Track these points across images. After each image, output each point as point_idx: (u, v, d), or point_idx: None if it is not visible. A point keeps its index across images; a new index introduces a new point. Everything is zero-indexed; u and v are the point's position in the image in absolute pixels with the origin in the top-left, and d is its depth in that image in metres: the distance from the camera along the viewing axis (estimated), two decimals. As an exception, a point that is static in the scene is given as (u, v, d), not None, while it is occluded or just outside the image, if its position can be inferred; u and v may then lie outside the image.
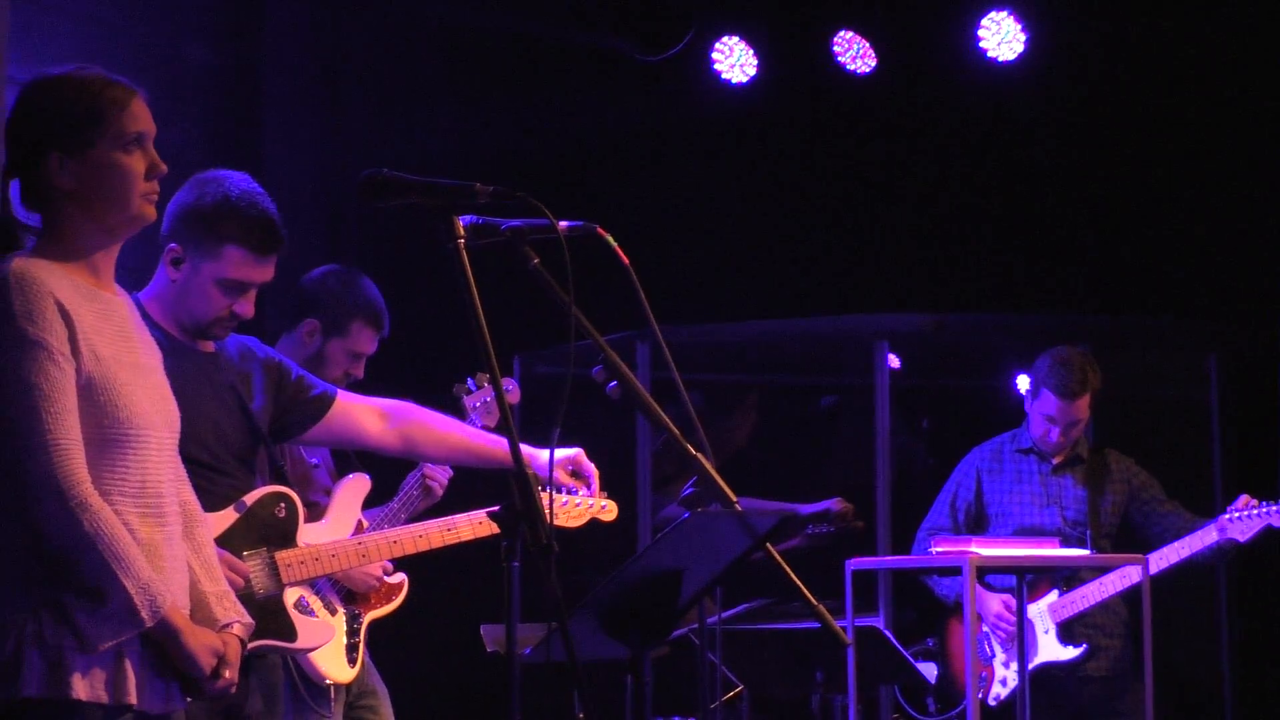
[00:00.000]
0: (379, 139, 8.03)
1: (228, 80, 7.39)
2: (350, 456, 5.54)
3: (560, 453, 4.73)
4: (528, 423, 6.82)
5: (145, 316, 4.37)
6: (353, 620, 5.28)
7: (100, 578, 3.40)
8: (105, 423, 3.48)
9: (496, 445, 4.70)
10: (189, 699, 3.62)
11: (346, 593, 5.25)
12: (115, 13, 6.70)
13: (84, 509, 3.39)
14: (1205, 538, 6.85)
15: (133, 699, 3.45)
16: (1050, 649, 6.92)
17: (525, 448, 3.44)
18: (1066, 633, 6.94)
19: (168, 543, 3.55)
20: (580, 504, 4.84)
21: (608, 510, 4.91)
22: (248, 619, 3.74)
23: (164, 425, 3.61)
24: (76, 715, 3.40)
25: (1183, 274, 8.85)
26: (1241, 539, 6.82)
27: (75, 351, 3.46)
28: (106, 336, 3.54)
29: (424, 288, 6.52)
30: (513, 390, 6.09)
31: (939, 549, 6.27)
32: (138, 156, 3.58)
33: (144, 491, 3.53)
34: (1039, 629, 6.92)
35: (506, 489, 3.40)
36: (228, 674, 3.59)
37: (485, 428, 5.71)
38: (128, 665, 3.45)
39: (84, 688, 3.40)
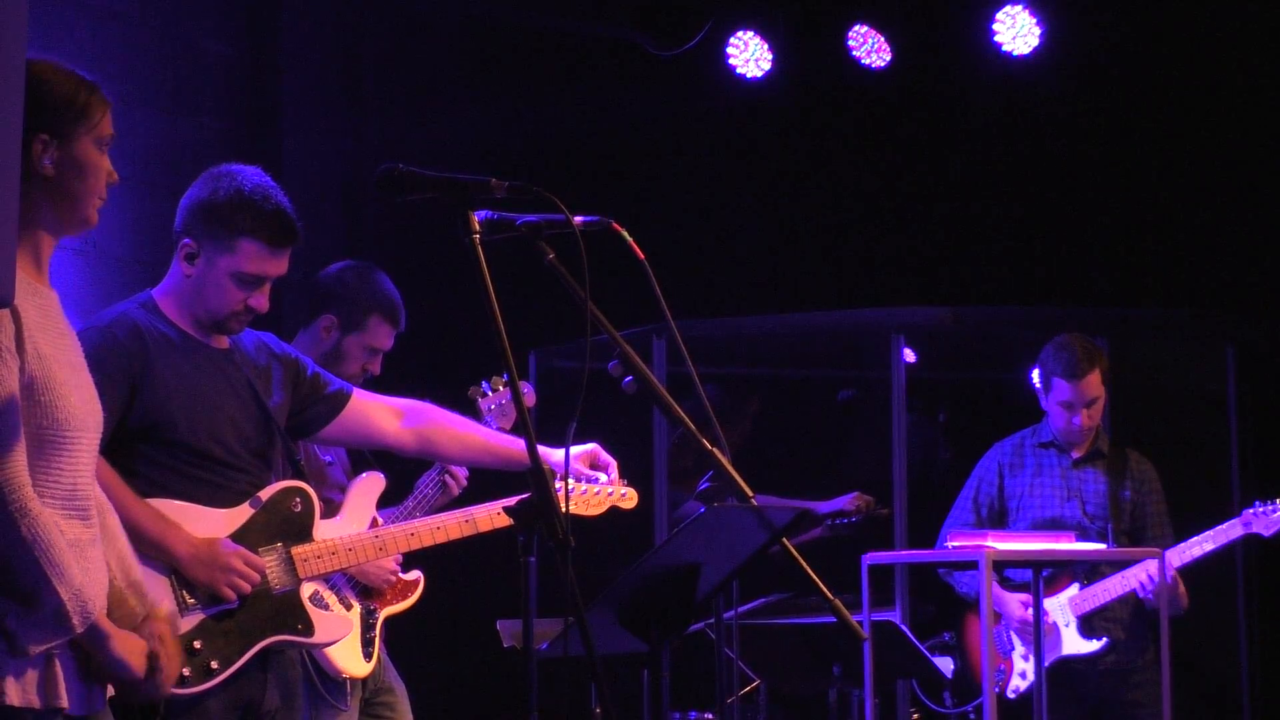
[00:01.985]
0: (396, 134, 8.03)
1: (246, 75, 7.39)
2: (365, 455, 5.52)
3: (576, 449, 4.73)
4: (544, 419, 6.82)
5: (159, 314, 4.40)
6: (368, 615, 5.28)
7: (35, 583, 3.34)
8: (45, 423, 3.41)
9: (514, 446, 4.69)
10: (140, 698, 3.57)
11: (362, 588, 5.25)
12: (133, 7, 6.70)
13: (24, 514, 3.33)
14: (1229, 532, 6.87)
15: (64, 702, 3.41)
16: (1071, 642, 6.92)
17: (541, 447, 3.43)
18: (1087, 626, 6.93)
19: (93, 544, 3.51)
20: (600, 492, 4.82)
21: (628, 498, 4.89)
22: (170, 605, 3.69)
23: (93, 426, 3.55)
24: None
25: (1200, 266, 8.85)
26: (1265, 534, 6.84)
27: (20, 349, 3.38)
28: (49, 335, 3.48)
29: (441, 283, 6.52)
30: (528, 393, 6.07)
31: (955, 543, 6.27)
32: (106, 160, 3.57)
33: (74, 494, 3.47)
34: (1060, 622, 6.92)
35: (523, 481, 3.40)
36: (160, 676, 3.54)
37: (500, 430, 5.71)
38: (58, 669, 3.42)
39: (16, 693, 3.35)
